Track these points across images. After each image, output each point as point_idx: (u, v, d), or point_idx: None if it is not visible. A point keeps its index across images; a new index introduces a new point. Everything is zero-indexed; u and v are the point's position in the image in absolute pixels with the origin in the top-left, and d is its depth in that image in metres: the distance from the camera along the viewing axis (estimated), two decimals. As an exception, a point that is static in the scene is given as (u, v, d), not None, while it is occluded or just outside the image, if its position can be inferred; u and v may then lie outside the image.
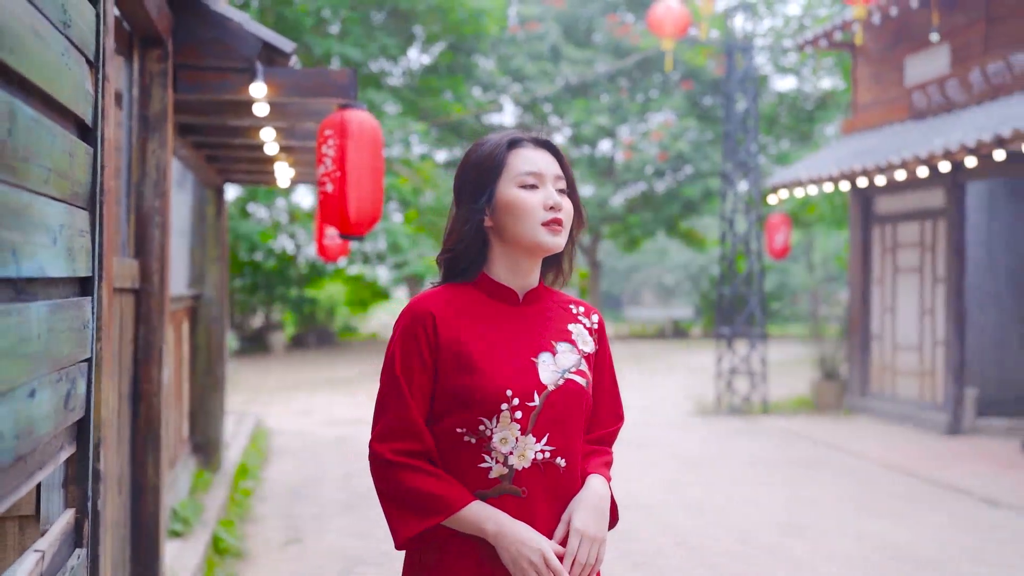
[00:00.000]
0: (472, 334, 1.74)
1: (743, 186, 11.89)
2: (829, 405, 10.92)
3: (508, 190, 1.77)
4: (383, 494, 1.73)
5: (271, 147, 5.36)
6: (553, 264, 1.86)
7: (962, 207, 9.26)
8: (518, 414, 1.70)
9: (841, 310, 14.49)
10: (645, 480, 7.01)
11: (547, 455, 1.72)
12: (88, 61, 1.76)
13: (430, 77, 19.93)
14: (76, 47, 1.65)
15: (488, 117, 22.75)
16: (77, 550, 1.78)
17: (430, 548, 1.73)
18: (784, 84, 23.61)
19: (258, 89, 4.05)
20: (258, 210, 19.66)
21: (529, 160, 1.79)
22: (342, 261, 19.51)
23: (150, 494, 3.73)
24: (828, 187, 9.97)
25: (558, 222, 1.76)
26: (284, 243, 19.95)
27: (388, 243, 17.82)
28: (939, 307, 9.57)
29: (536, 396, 1.72)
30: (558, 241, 1.77)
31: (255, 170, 6.88)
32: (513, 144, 1.80)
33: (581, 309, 1.89)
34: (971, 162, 7.93)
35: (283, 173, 6.37)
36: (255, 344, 18.86)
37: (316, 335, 20.09)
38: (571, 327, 1.84)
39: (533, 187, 1.77)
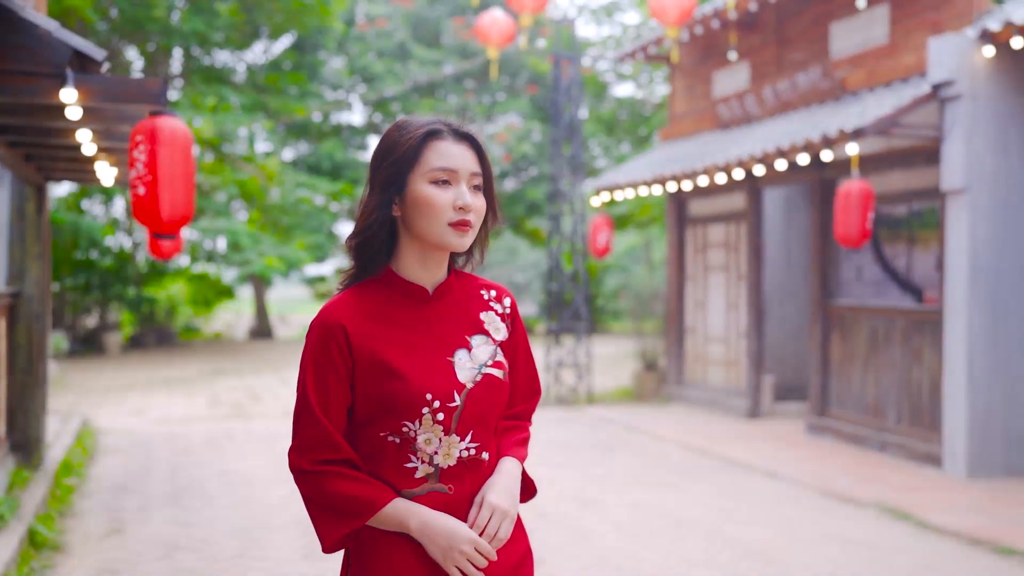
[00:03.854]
0: (386, 340, 1.71)
1: (571, 188, 12.55)
2: (649, 394, 11.70)
3: (419, 185, 1.69)
4: (308, 500, 1.73)
5: (88, 148, 5.48)
6: (465, 251, 1.80)
7: (760, 210, 10.16)
8: (440, 416, 1.68)
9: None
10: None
11: (472, 451, 1.73)
12: None
13: (275, 74, 19.82)
14: None
15: (337, 116, 22.77)
16: None
17: (362, 549, 1.73)
18: (623, 90, 24.74)
19: (68, 95, 4.23)
20: (93, 207, 19.07)
21: (445, 155, 1.70)
22: (185, 260, 19.16)
23: (-43, 484, 3.87)
24: (644, 191, 10.72)
25: (466, 224, 1.70)
26: (122, 240, 19.41)
27: (228, 243, 17.63)
28: (742, 302, 10.46)
29: (456, 396, 1.70)
30: (464, 242, 1.71)
31: (77, 169, 6.92)
32: (431, 135, 1.71)
33: (493, 294, 1.84)
34: (760, 170, 8.78)
35: (105, 173, 6.47)
36: (88, 345, 18.28)
37: (156, 335, 19.63)
38: (483, 316, 1.80)
39: (445, 183, 1.69)
